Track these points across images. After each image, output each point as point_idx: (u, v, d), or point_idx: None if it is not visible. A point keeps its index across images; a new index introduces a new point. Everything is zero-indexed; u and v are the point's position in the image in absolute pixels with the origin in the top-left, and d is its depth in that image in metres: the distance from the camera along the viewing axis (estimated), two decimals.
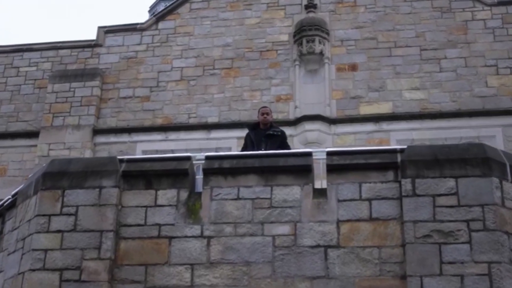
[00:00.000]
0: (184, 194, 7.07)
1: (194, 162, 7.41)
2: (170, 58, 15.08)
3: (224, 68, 14.71)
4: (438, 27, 14.49)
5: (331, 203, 6.83)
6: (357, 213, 6.74)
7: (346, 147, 13.22)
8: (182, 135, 14.26)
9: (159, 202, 7.07)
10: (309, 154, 7.18)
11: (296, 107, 14.12)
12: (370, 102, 14.00)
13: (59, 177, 7.24)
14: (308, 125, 13.79)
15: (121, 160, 7.37)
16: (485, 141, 12.68)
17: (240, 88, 14.44)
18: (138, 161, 7.48)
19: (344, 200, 6.81)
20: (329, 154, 7.12)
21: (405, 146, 7.14)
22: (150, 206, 7.06)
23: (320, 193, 6.89)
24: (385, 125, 13.81)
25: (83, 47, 15.66)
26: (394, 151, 7.03)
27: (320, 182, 7.23)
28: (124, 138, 14.52)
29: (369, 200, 6.78)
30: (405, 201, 6.63)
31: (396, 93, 13.99)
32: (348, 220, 6.72)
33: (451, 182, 6.62)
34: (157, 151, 13.86)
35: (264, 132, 8.78)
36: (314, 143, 13.55)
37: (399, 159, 6.87)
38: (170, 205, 7.02)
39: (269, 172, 6.98)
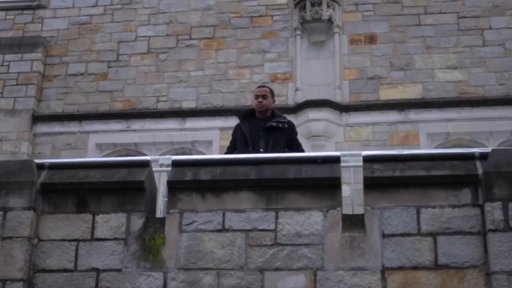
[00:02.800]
0: (138, 222, 6.04)
1: (155, 169, 6.48)
2: (134, 25, 14.48)
3: (203, 38, 14.11)
4: None
5: (372, 239, 5.77)
6: (415, 256, 5.68)
7: (362, 141, 13.01)
8: (148, 124, 13.61)
9: (99, 233, 6.06)
10: (336, 160, 5.99)
11: (297, 89, 13.47)
12: (393, 84, 13.34)
13: None
14: (312, 113, 13.02)
15: (41, 166, 6.32)
16: None
17: (224, 64, 13.84)
18: (67, 168, 6.38)
19: (393, 235, 5.73)
20: (368, 160, 5.92)
21: (488, 149, 6.04)
22: (84, 240, 6.05)
23: (354, 223, 5.87)
24: (412, 114, 13.07)
25: (22, 9, 15.03)
26: (470, 157, 5.91)
27: (352, 205, 6.41)
28: (73, 127, 13.80)
29: (433, 235, 5.70)
30: (492, 238, 5.55)
31: (427, 73, 13.34)
32: (400, 268, 5.65)
33: None
34: (115, 145, 13.53)
35: (263, 124, 7.56)
36: (321, 136, 12.93)
37: (479, 171, 5.77)
38: (115, 239, 6.03)
39: (273, 188, 6.01)
